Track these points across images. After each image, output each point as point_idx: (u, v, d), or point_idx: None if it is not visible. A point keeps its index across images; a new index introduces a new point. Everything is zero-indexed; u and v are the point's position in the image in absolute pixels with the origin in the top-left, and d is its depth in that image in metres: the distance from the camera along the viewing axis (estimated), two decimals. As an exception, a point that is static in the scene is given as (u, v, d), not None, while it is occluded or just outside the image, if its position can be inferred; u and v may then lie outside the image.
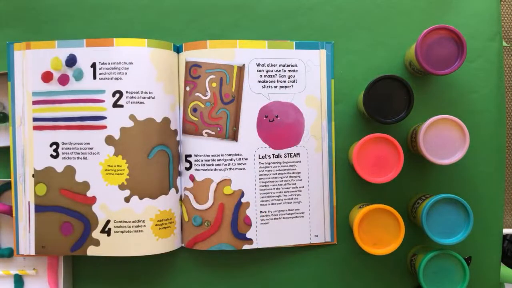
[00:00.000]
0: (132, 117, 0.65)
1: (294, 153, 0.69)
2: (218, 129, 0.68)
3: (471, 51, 0.70)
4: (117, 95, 0.65)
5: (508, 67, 1.48)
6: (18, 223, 0.67)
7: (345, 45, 0.71)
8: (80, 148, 0.66)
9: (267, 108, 0.68)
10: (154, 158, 0.66)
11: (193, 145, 0.68)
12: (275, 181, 0.69)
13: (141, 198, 0.65)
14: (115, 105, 0.65)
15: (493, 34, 0.70)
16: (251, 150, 0.68)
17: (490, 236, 0.70)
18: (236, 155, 0.68)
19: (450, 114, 0.70)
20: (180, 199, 0.69)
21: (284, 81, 0.69)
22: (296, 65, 0.69)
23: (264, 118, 0.68)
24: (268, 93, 0.69)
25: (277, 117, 0.69)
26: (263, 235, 0.68)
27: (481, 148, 0.70)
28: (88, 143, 0.66)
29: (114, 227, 0.65)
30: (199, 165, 0.67)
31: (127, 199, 0.65)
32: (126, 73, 0.65)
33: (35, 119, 0.67)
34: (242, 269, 0.70)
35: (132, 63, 0.65)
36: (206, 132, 0.67)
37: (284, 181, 0.69)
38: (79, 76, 0.66)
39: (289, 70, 0.69)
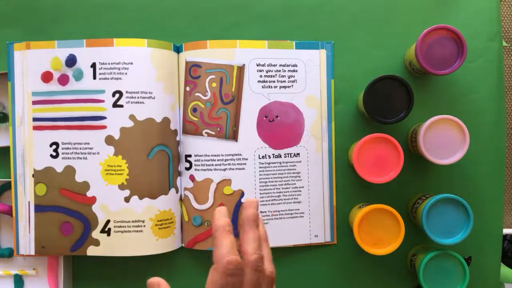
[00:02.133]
0: (132, 117, 0.65)
1: (294, 153, 0.69)
2: (218, 129, 0.68)
3: (471, 51, 0.70)
4: (117, 95, 0.65)
5: (508, 67, 1.48)
6: (18, 223, 0.67)
7: (345, 45, 0.71)
8: (80, 148, 0.66)
9: (267, 108, 0.68)
10: (154, 158, 0.66)
11: (193, 145, 0.68)
12: (275, 181, 0.69)
13: (141, 198, 0.65)
14: (115, 105, 0.65)
15: (493, 34, 0.70)
16: (251, 150, 0.68)
17: (490, 236, 0.70)
18: (236, 155, 0.68)
19: (450, 114, 0.70)
20: (180, 199, 0.69)
21: (284, 81, 0.69)
22: (296, 65, 0.69)
23: (264, 118, 0.68)
24: (268, 93, 0.69)
25: (277, 117, 0.69)
26: (263, 235, 0.68)
27: (481, 148, 0.70)
28: (88, 143, 0.66)
29: (114, 227, 0.65)
30: (199, 165, 0.67)
31: (127, 199, 0.65)
32: (126, 73, 0.65)
33: (35, 119, 0.67)
34: (242, 269, 0.70)
35: (132, 63, 0.65)
36: (206, 132, 0.67)
37: (284, 181, 0.69)
38: (79, 76, 0.66)
39: (289, 70, 0.69)
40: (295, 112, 0.69)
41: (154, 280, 0.41)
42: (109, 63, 0.66)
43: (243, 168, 0.68)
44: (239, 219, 0.41)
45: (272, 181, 0.69)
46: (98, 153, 0.66)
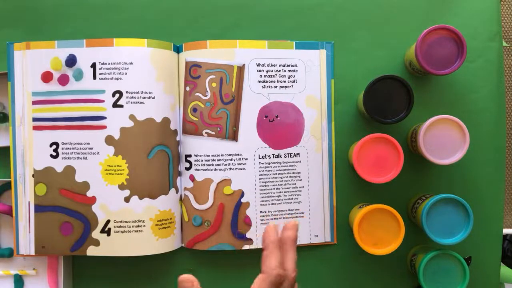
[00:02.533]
0: (132, 117, 0.65)
1: (294, 153, 0.69)
2: (218, 129, 0.68)
3: (471, 51, 0.70)
4: (117, 95, 0.65)
5: (508, 67, 1.48)
6: (18, 223, 0.67)
7: (345, 45, 0.71)
8: (80, 148, 0.66)
9: (267, 108, 0.68)
10: (154, 158, 0.66)
11: (193, 145, 0.68)
12: (275, 181, 0.69)
13: (141, 198, 0.65)
14: (115, 105, 0.65)
15: (493, 34, 0.70)
16: (251, 150, 0.68)
17: (490, 236, 0.70)
18: (236, 155, 0.68)
19: (450, 114, 0.70)
20: (180, 199, 0.69)
21: (284, 81, 0.69)
22: (296, 65, 0.69)
23: (264, 118, 0.68)
24: (268, 93, 0.69)
25: (277, 117, 0.69)
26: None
27: (481, 148, 0.70)
28: (88, 143, 0.66)
29: (114, 227, 0.65)
30: (199, 165, 0.67)
31: (127, 199, 0.65)
32: (126, 73, 0.65)
33: (35, 119, 0.67)
34: (242, 269, 0.70)
35: (132, 63, 0.65)
36: (206, 132, 0.67)
37: (284, 181, 0.69)
38: (79, 76, 0.66)
39: (289, 70, 0.69)
40: (295, 112, 0.69)
41: (187, 277, 0.46)
42: (109, 63, 0.66)
43: (243, 168, 0.68)
44: (281, 235, 0.50)
45: (272, 181, 0.69)
46: (98, 153, 0.66)
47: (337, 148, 0.70)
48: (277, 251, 0.48)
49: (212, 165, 0.67)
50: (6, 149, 0.70)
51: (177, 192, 0.68)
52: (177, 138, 0.68)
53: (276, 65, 0.69)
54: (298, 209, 0.69)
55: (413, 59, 0.65)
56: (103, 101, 0.66)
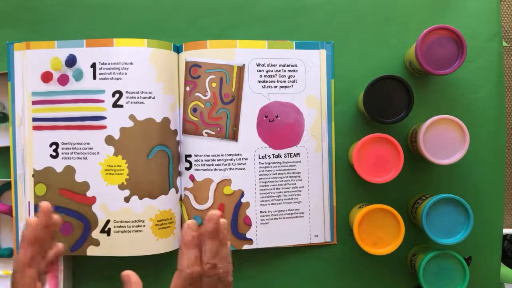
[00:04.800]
0: (132, 117, 0.65)
1: (294, 153, 0.69)
2: (218, 129, 0.68)
3: (471, 51, 0.70)
4: (117, 95, 0.65)
5: (508, 67, 1.48)
6: (18, 223, 0.67)
7: (345, 45, 0.71)
8: (80, 148, 0.66)
9: (267, 108, 0.68)
10: (154, 158, 0.66)
11: (193, 145, 0.68)
12: (275, 181, 0.69)
13: (140, 198, 0.65)
14: (115, 105, 0.65)
15: (493, 34, 0.70)
16: (251, 150, 0.68)
17: (490, 236, 0.70)
18: (236, 155, 0.68)
19: (450, 114, 0.70)
20: (180, 199, 0.69)
21: (284, 81, 0.69)
22: (296, 65, 0.69)
23: (264, 118, 0.68)
24: (268, 93, 0.69)
25: (277, 117, 0.69)
26: (263, 235, 0.68)
27: (481, 148, 0.70)
28: (88, 143, 0.66)
29: (114, 227, 0.65)
30: (199, 165, 0.67)
31: (126, 199, 0.65)
32: (126, 73, 0.65)
33: (34, 119, 0.67)
34: (241, 269, 0.70)
35: (132, 63, 0.65)
36: (206, 132, 0.67)
37: (284, 181, 0.69)
38: (79, 76, 0.66)
39: (289, 70, 0.69)
40: (295, 112, 0.69)
41: (126, 273, 0.50)
42: (109, 63, 0.66)
43: (243, 168, 0.68)
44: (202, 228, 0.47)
45: (272, 181, 0.69)
46: (98, 153, 0.66)
47: (337, 148, 0.70)
48: (193, 248, 0.46)
49: (212, 165, 0.67)
50: (6, 149, 0.70)
51: (177, 192, 0.68)
52: (177, 138, 0.68)
53: (276, 65, 0.69)
54: (298, 209, 0.69)
55: (413, 59, 0.65)
56: (103, 101, 0.66)
